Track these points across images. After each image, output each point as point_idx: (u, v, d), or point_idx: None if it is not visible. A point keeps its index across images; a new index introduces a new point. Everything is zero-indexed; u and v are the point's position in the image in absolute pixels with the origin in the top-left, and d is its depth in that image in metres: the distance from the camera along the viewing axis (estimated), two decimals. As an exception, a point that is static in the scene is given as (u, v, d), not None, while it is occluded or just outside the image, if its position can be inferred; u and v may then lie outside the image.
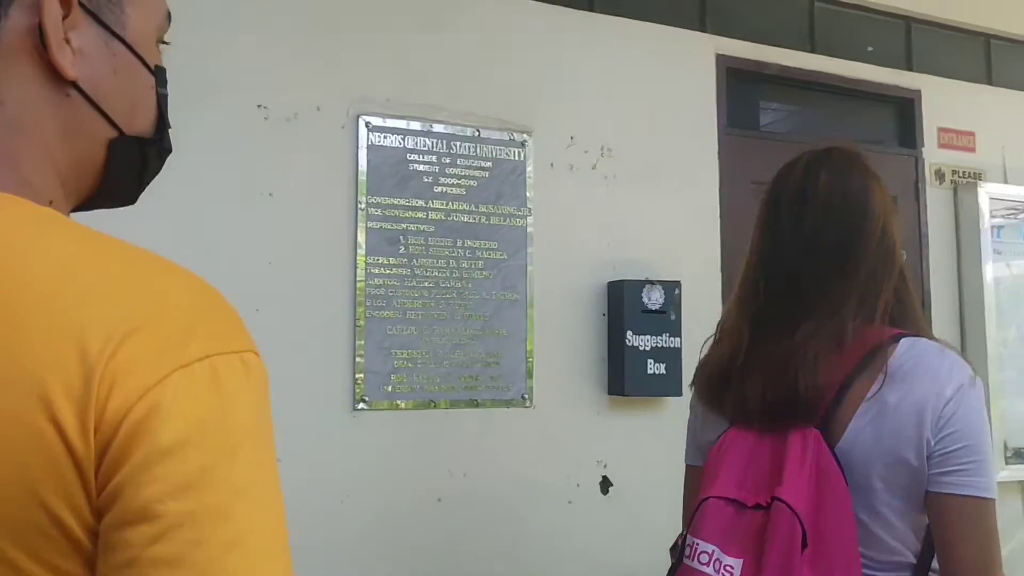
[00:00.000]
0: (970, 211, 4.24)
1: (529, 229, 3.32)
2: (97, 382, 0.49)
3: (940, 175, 4.27)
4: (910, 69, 4.33)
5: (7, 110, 0.61)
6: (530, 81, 3.40)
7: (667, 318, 3.45)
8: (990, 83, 4.57)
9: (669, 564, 1.40)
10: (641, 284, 3.41)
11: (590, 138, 3.49)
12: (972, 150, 4.37)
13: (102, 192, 0.69)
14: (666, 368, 3.42)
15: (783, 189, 1.40)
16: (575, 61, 3.48)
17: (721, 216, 3.71)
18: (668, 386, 3.41)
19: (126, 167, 0.69)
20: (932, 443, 1.23)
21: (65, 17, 0.62)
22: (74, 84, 0.63)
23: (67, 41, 0.62)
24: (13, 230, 0.56)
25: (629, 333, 3.38)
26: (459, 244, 3.21)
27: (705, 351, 1.51)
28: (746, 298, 1.40)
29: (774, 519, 1.22)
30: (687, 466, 1.58)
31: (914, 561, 1.28)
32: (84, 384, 0.49)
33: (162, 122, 0.71)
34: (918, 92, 4.26)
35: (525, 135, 3.35)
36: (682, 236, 3.63)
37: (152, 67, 0.69)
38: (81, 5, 0.63)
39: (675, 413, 3.51)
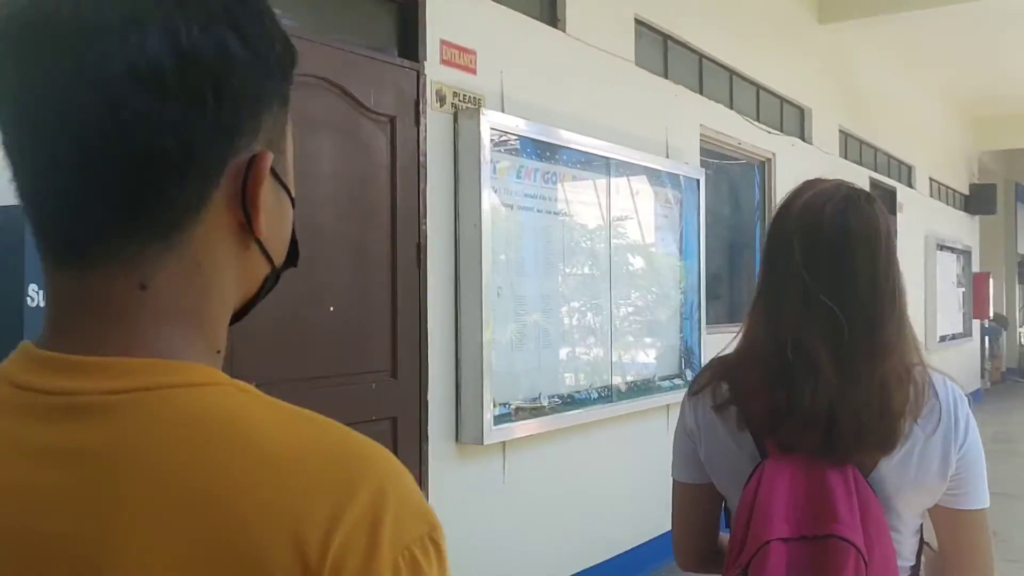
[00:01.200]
0: (470, 140, 3.73)
1: None
2: None
3: (441, 96, 3.70)
4: (414, -35, 3.66)
5: (203, 272, 0.63)
6: None
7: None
8: (492, -1, 4.11)
9: None
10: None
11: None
12: (473, 71, 3.87)
13: (235, 319, 0.70)
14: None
15: (848, 225, 1.41)
16: None
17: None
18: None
19: (266, 294, 0.71)
20: (954, 470, 1.38)
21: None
22: (257, 239, 0.65)
23: None
24: (216, 419, 0.59)
25: (33, 287, 2.21)
26: None
27: (719, 367, 1.49)
28: (822, 330, 1.37)
29: (839, 558, 1.30)
30: (681, 483, 1.56)
31: (913, 562, 1.44)
32: None
33: (295, 247, 0.72)
34: (422, -6, 3.61)
35: None
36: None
37: (294, 200, 0.70)
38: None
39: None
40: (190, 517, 0.55)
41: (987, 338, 15.27)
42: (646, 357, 5.03)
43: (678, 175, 5.29)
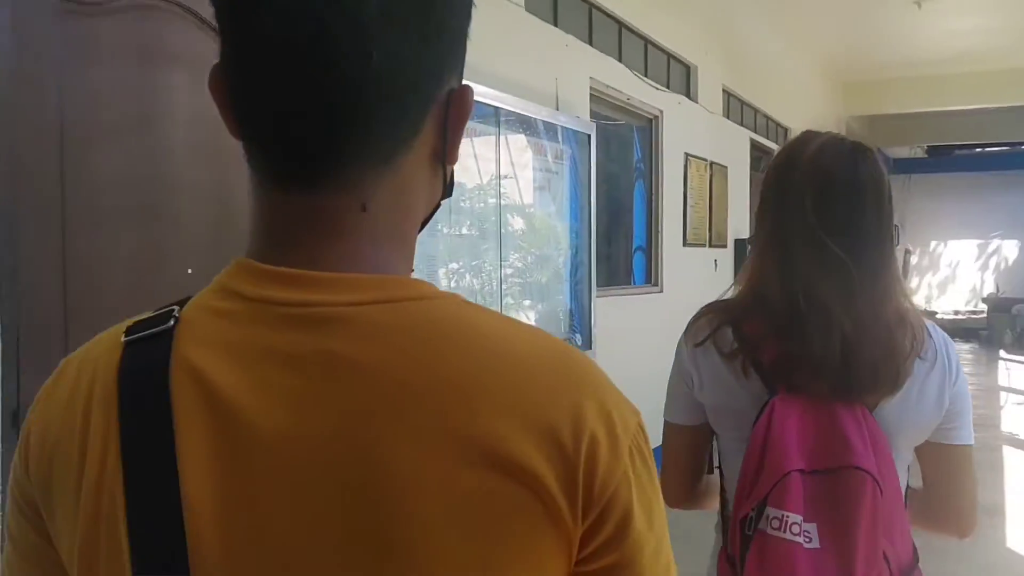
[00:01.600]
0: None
1: None
2: (581, 476, 0.61)
3: None
4: None
5: (408, 195, 0.69)
6: None
7: None
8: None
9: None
10: None
11: None
12: None
13: None
14: None
15: (859, 175, 1.44)
16: None
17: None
18: None
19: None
20: (947, 407, 1.46)
21: None
22: (444, 167, 0.71)
23: None
24: (455, 317, 0.65)
25: None
26: None
27: (721, 313, 1.50)
28: (832, 278, 1.41)
29: (858, 487, 1.32)
30: (676, 425, 1.60)
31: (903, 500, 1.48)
32: (569, 478, 0.61)
33: (452, 179, 0.76)
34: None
35: None
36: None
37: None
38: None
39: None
40: (446, 413, 0.60)
41: (851, 298, 15.81)
42: (533, 322, 4.79)
43: (568, 129, 5.04)
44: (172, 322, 0.65)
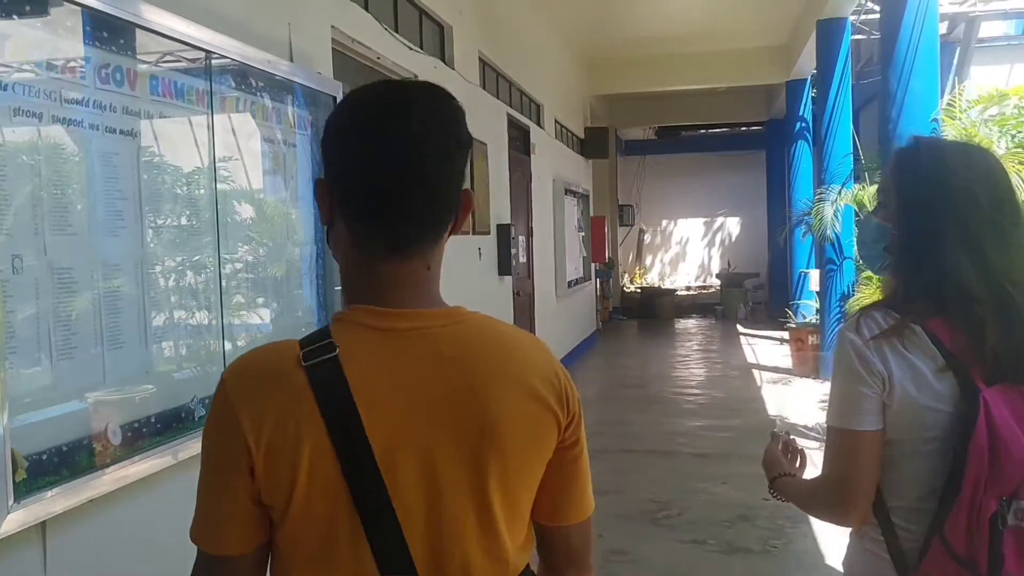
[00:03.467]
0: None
1: None
2: (564, 398, 1.23)
3: None
4: None
5: (441, 258, 1.24)
6: None
7: None
8: None
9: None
10: None
11: None
12: None
13: None
14: None
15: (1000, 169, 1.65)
16: None
17: None
18: None
19: None
20: None
21: None
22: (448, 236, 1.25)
23: None
24: (488, 326, 1.24)
25: None
26: None
27: (889, 310, 1.58)
28: (1015, 267, 1.56)
29: None
30: (866, 433, 1.57)
31: None
32: (559, 398, 1.22)
33: None
34: None
35: None
36: None
37: None
38: None
39: None
40: (508, 375, 1.19)
41: (599, 281, 15.69)
42: (268, 321, 3.58)
43: (308, 89, 3.87)
44: (336, 350, 1.14)
